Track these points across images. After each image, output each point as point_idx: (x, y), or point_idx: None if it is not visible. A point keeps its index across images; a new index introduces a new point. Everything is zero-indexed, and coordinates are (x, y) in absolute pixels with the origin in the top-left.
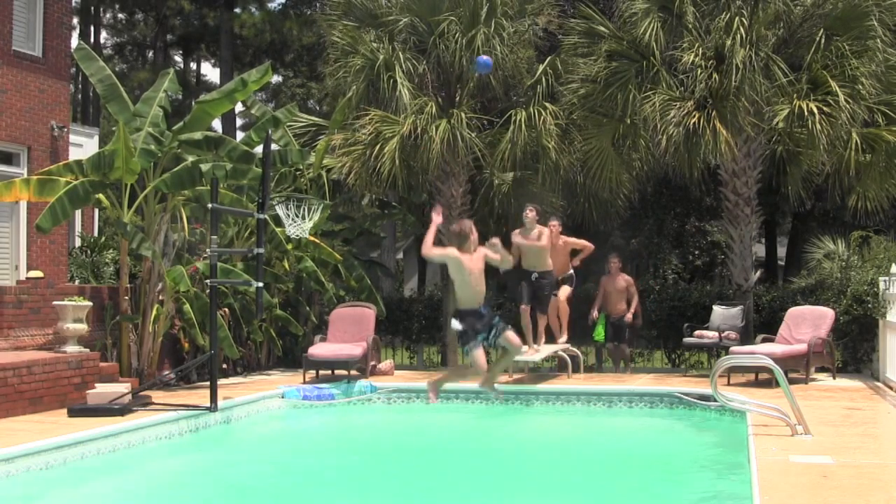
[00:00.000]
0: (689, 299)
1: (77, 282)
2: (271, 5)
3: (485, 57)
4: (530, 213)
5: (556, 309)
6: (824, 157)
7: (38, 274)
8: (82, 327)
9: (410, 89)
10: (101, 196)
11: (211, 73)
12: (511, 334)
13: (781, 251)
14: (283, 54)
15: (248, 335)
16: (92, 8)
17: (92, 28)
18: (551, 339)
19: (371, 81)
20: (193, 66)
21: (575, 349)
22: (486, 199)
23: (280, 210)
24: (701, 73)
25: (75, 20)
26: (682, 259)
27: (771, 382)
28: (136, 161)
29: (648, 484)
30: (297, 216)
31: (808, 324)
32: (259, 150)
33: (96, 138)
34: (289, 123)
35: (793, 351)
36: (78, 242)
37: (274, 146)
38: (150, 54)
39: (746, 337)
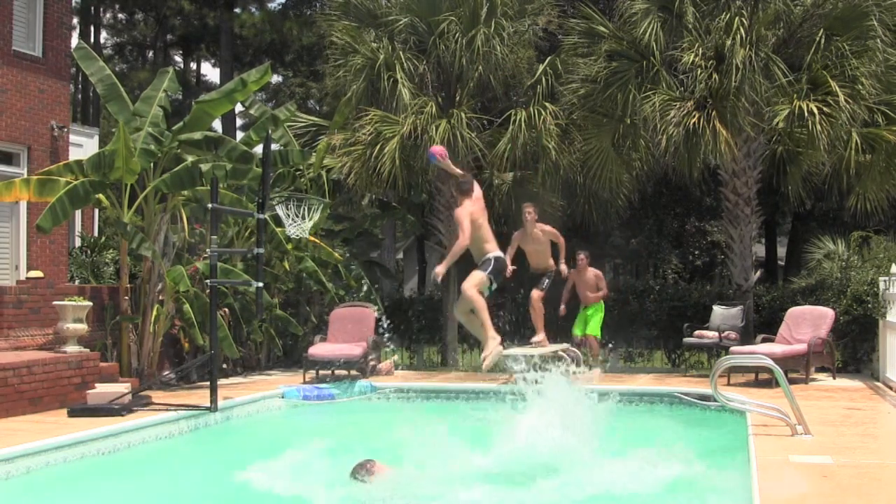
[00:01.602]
0: (689, 299)
1: (77, 282)
2: (271, 5)
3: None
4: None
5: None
6: (824, 157)
7: (38, 274)
8: (82, 327)
9: (410, 89)
10: (101, 196)
11: (211, 73)
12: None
13: (781, 251)
14: (283, 54)
15: (248, 335)
16: (92, 8)
17: (92, 28)
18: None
19: (371, 81)
20: (193, 66)
21: (575, 349)
22: (487, 199)
23: (280, 210)
24: (701, 73)
25: (75, 20)
26: (682, 259)
27: (771, 382)
28: (136, 161)
29: (647, 484)
30: (297, 216)
31: (808, 324)
32: (259, 149)
33: (96, 138)
34: (289, 123)
35: (793, 351)
36: (78, 242)
37: (274, 146)
38: (150, 54)
39: (746, 337)
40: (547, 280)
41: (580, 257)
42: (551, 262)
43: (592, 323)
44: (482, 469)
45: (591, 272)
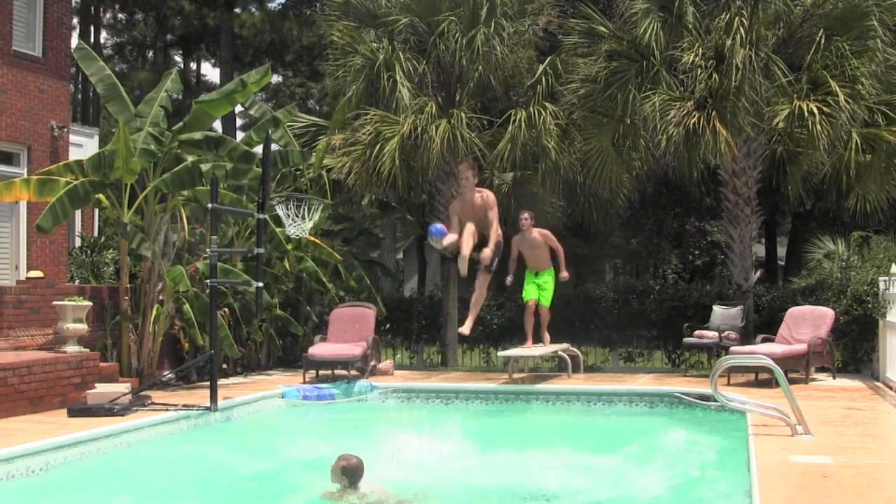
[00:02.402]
0: (689, 299)
1: (77, 282)
2: (271, 5)
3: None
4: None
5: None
6: (824, 157)
7: (38, 274)
8: (82, 327)
9: (410, 89)
10: (101, 196)
11: (211, 73)
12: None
13: (781, 251)
14: (283, 54)
15: (248, 335)
16: (92, 8)
17: (92, 28)
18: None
19: (371, 81)
20: (193, 66)
21: (575, 349)
22: None
23: (280, 210)
24: (701, 73)
25: (75, 20)
26: (682, 259)
27: (771, 382)
28: (136, 161)
29: (648, 484)
30: (297, 216)
31: (808, 324)
32: (259, 149)
33: (96, 138)
34: (289, 124)
35: (793, 351)
36: (78, 242)
37: (274, 146)
38: (150, 54)
39: (746, 337)
40: (495, 258)
41: (524, 216)
42: (499, 233)
43: (545, 294)
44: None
45: (537, 232)
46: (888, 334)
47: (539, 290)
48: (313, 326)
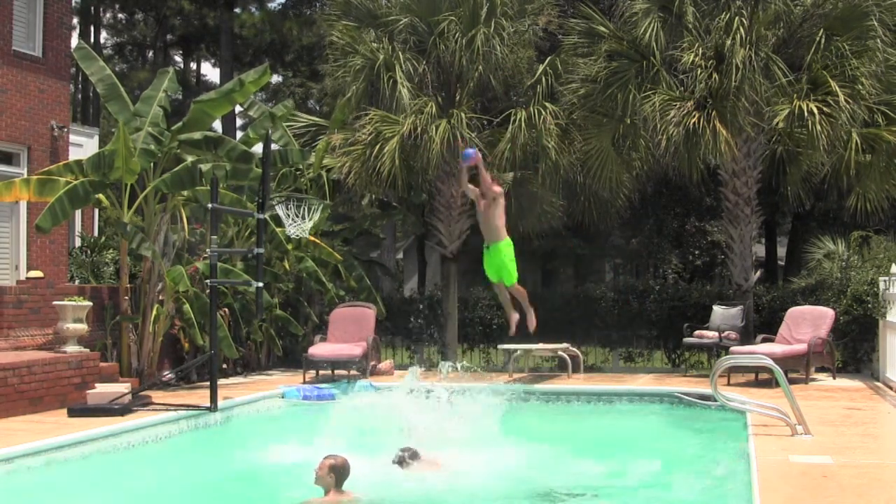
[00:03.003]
0: (689, 299)
1: (77, 282)
2: (271, 5)
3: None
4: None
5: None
6: (824, 157)
7: (38, 274)
8: (82, 327)
9: (410, 89)
10: (101, 196)
11: (211, 73)
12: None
13: (781, 251)
14: (283, 54)
15: (248, 335)
16: (92, 8)
17: (92, 28)
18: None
19: (371, 81)
20: (193, 66)
21: (575, 349)
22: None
23: (280, 210)
24: (701, 73)
25: (75, 20)
26: (682, 259)
27: (771, 382)
28: (136, 161)
29: (648, 484)
30: (297, 216)
31: (808, 324)
32: (258, 149)
33: (96, 138)
34: (288, 123)
35: (793, 351)
36: (78, 242)
37: (274, 146)
38: (150, 54)
39: (746, 337)
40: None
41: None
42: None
43: (506, 273)
44: None
45: (498, 189)
46: (888, 334)
47: (497, 271)
48: (313, 326)
